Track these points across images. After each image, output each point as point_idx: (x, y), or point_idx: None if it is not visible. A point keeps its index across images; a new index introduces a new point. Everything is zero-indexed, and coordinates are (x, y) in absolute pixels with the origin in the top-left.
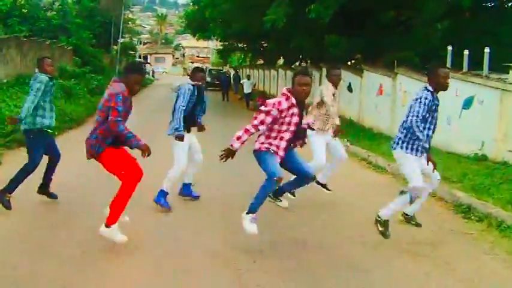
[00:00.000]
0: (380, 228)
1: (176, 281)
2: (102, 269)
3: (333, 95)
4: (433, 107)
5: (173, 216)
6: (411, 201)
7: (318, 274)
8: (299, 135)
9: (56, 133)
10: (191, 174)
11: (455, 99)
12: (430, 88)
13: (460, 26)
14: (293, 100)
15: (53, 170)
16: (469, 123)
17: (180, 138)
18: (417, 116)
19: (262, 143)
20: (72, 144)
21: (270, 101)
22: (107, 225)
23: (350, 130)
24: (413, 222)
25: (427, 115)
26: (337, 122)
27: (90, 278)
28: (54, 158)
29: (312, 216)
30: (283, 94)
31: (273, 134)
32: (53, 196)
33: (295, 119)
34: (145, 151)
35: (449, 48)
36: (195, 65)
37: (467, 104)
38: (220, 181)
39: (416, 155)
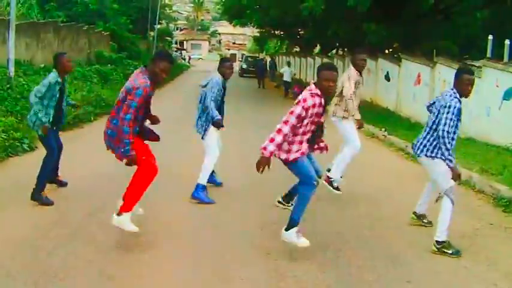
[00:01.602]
0: (449, 251)
1: (213, 270)
2: (139, 256)
3: (356, 83)
4: (459, 114)
5: (211, 206)
6: (453, 204)
7: (357, 266)
8: (318, 134)
9: (92, 119)
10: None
11: (496, 90)
12: (456, 94)
13: (500, 15)
14: (321, 99)
15: (57, 162)
16: (509, 115)
17: (218, 124)
18: (449, 126)
19: (289, 152)
20: None
21: (300, 99)
22: (119, 213)
23: (387, 119)
24: (425, 221)
25: (454, 124)
26: (357, 116)
27: (126, 264)
28: (58, 149)
29: (349, 207)
30: (311, 91)
31: (298, 138)
32: (63, 184)
33: (317, 119)
34: (129, 162)
35: (490, 37)
36: (231, 52)
37: (508, 95)
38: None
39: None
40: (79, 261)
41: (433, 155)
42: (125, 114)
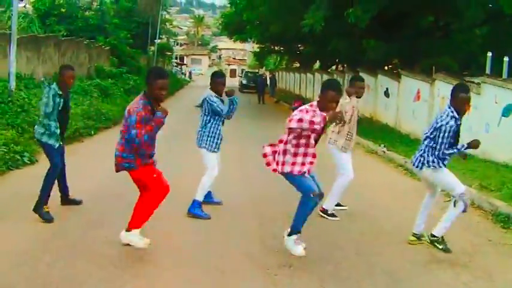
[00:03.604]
0: (439, 246)
1: (212, 285)
2: (138, 270)
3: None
4: (456, 129)
5: (210, 221)
6: (465, 210)
7: (356, 280)
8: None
9: (93, 133)
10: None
11: (494, 106)
12: (454, 113)
13: (499, 31)
14: (320, 117)
15: (64, 179)
16: (508, 131)
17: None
18: (444, 145)
19: (294, 164)
20: (110, 144)
21: (302, 110)
22: (128, 229)
23: (387, 136)
24: (424, 239)
25: (451, 140)
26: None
27: (125, 278)
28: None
29: (349, 222)
30: (311, 106)
31: (301, 150)
32: (77, 202)
33: (315, 136)
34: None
35: (489, 54)
36: (232, 67)
37: (507, 111)
38: (256, 186)
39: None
40: (78, 273)
41: (434, 165)
42: (128, 134)
